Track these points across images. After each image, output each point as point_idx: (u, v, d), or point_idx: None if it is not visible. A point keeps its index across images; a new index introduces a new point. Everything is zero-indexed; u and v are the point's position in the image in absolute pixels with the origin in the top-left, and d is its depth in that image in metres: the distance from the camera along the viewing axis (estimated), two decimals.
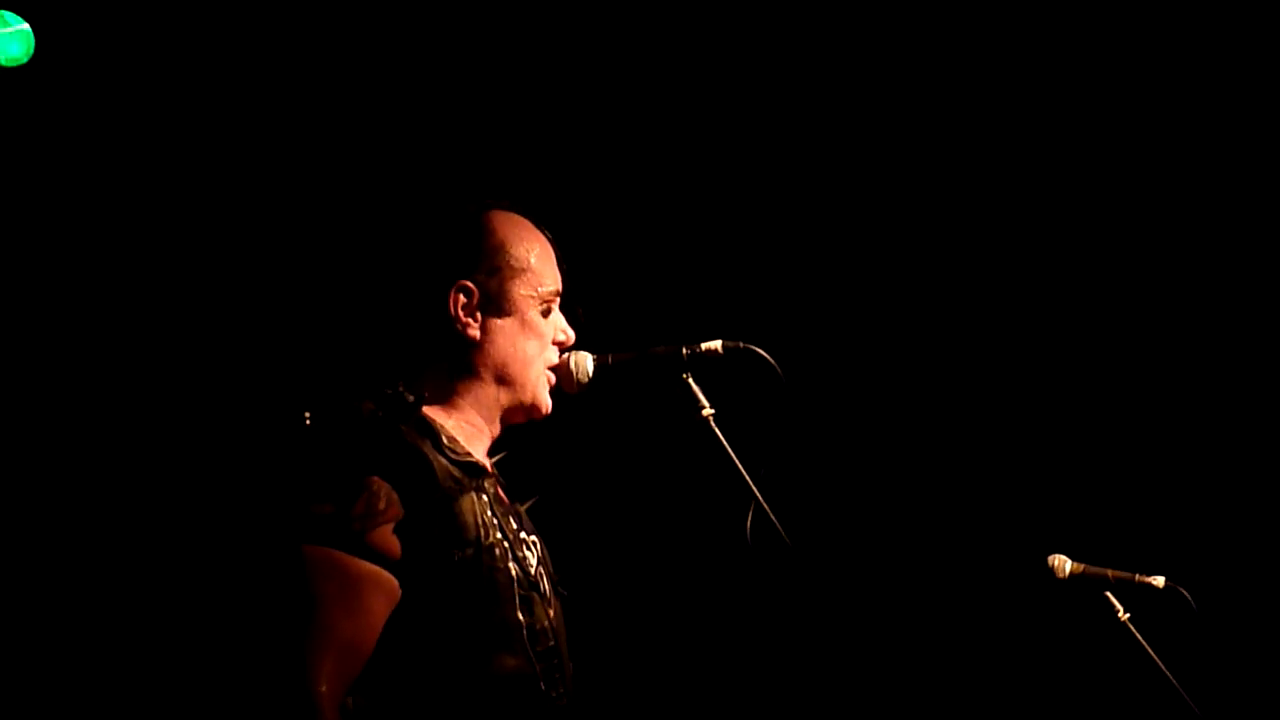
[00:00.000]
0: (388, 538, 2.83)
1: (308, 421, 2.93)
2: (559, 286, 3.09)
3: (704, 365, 3.09)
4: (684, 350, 3.09)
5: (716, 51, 5.05)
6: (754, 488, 3.03)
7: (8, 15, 4.35)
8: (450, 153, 4.79)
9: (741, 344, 3.11)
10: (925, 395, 5.17)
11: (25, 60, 4.38)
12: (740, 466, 3.03)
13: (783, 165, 5.15)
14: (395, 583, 2.83)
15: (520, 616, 2.92)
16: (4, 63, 4.38)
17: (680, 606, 4.92)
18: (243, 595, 2.86)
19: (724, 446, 3.04)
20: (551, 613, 3.01)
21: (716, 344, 3.10)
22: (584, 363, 3.09)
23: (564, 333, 3.10)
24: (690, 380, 3.09)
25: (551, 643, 2.96)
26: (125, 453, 4.51)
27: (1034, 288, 5.20)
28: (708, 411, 3.07)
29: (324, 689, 2.75)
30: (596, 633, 3.19)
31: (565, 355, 3.10)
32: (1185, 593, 3.87)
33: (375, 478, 2.84)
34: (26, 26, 4.36)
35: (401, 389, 2.95)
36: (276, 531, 2.84)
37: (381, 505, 2.82)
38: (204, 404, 4.55)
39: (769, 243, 5.15)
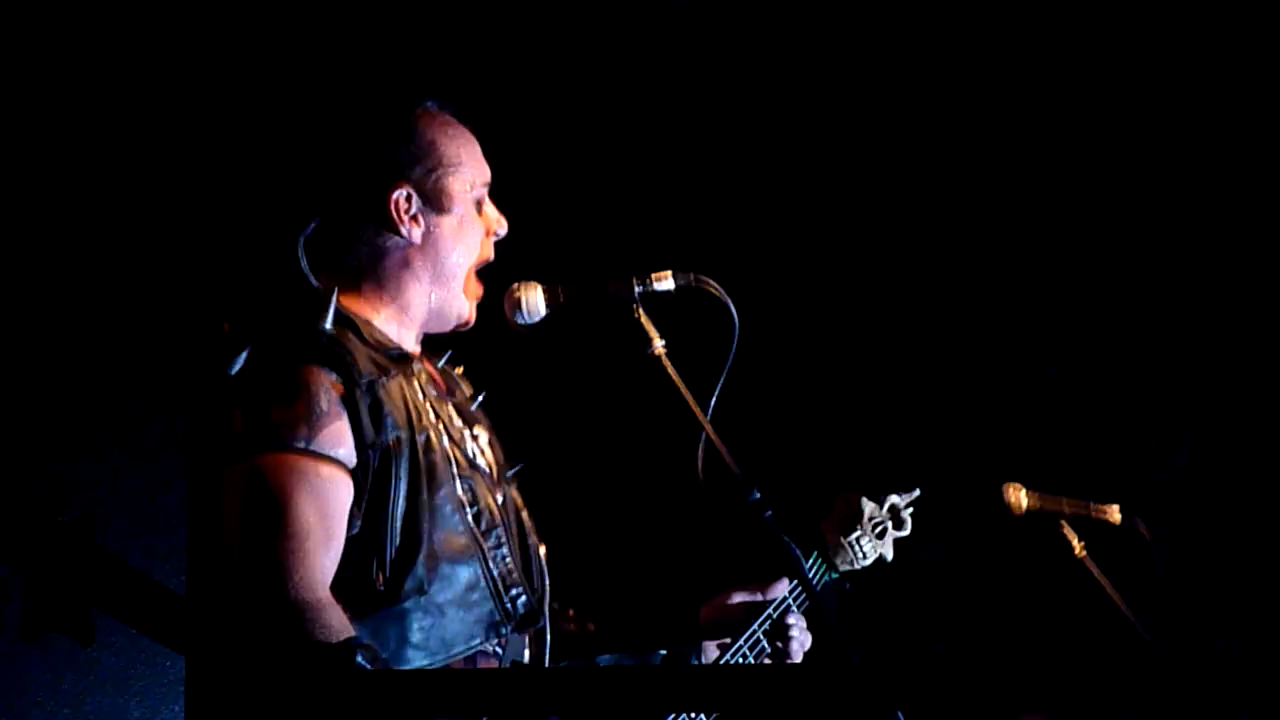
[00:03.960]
0: (336, 432, 2.81)
1: (226, 331, 2.92)
2: (489, 178, 3.12)
3: (655, 299, 3.06)
4: (635, 284, 3.05)
5: None
6: (705, 422, 2.99)
7: None
8: (400, 61, 4.71)
9: (693, 276, 3.08)
10: (879, 324, 5.15)
11: None
12: (692, 401, 3.00)
13: (730, 92, 5.09)
14: (349, 477, 2.82)
15: (461, 495, 2.93)
16: None
17: (632, 543, 4.90)
18: (216, 515, 2.80)
19: (675, 382, 3.01)
20: (499, 496, 3.04)
21: (667, 276, 3.07)
22: (535, 296, 3.06)
23: (499, 223, 3.12)
24: (641, 314, 3.05)
25: (498, 525, 2.97)
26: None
27: (988, 214, 5.17)
28: (659, 346, 3.03)
29: (323, 595, 2.72)
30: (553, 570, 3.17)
31: (515, 286, 3.07)
32: (1141, 524, 3.85)
33: (309, 369, 2.83)
34: None
35: (318, 279, 2.96)
36: (231, 445, 2.81)
37: (323, 403, 2.81)
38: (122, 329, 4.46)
39: (722, 170, 5.10)
